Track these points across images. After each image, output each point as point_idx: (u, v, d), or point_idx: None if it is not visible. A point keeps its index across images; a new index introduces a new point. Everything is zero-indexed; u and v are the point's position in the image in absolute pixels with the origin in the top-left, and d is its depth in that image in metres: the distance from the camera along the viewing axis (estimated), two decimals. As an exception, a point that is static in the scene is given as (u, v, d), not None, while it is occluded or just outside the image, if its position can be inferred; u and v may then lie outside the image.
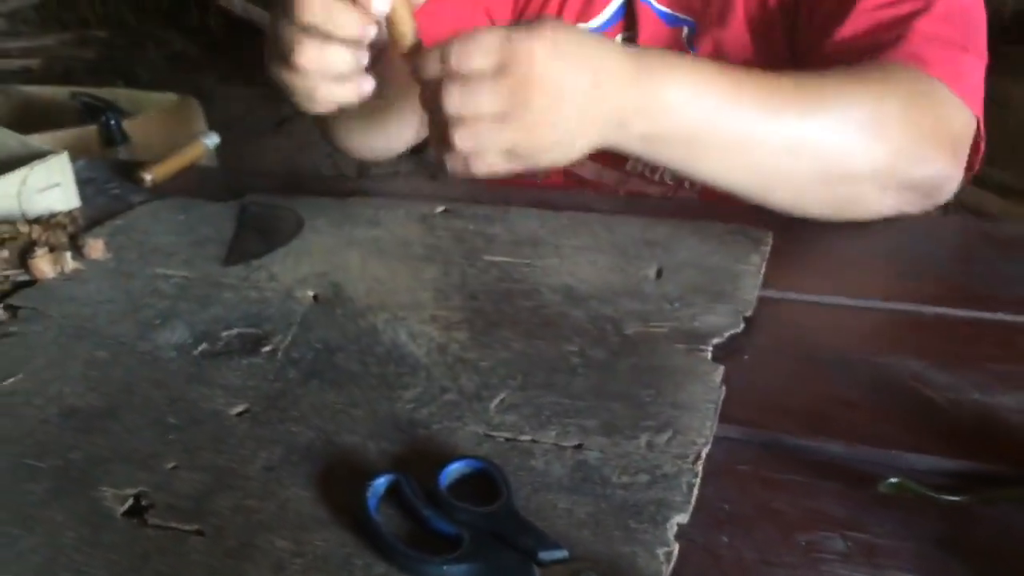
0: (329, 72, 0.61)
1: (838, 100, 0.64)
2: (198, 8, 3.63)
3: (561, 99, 0.56)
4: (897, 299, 0.64)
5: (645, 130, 0.61)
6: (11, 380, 0.60)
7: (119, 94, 1.54)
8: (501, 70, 0.55)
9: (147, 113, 1.45)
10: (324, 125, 0.86)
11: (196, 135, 0.97)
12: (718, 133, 0.62)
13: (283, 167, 2.66)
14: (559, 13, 0.92)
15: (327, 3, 0.58)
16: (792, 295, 0.65)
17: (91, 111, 1.44)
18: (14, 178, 0.79)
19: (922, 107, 0.66)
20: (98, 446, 0.54)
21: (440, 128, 0.58)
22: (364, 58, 0.61)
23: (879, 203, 0.69)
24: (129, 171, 0.93)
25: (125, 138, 1.31)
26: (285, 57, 0.60)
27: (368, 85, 0.62)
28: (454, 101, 0.56)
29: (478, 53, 0.55)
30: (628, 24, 0.90)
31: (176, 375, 0.60)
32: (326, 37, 0.59)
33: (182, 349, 0.63)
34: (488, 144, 0.57)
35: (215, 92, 3.36)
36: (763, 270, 0.67)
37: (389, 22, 0.61)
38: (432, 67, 0.57)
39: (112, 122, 1.31)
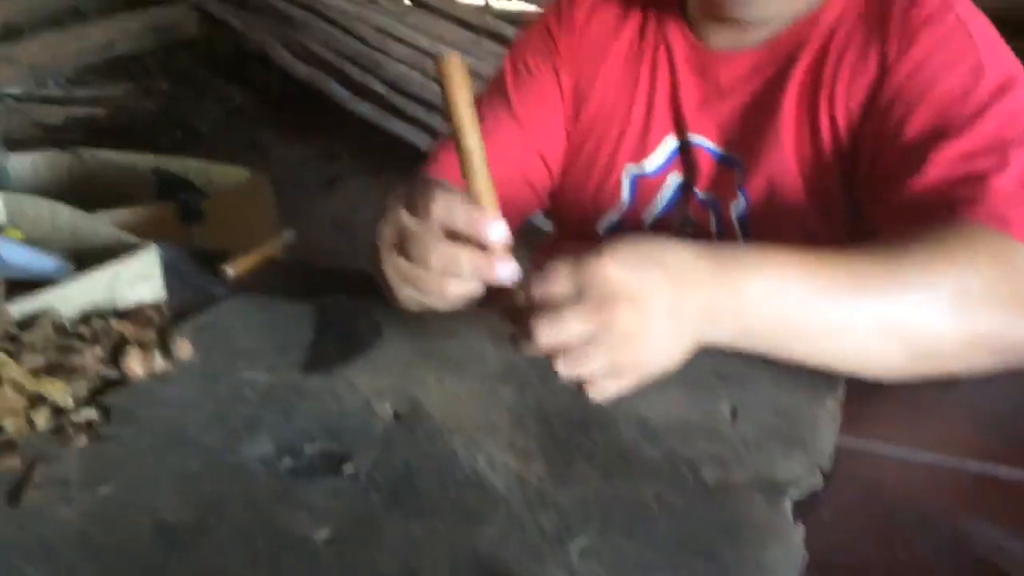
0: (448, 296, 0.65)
1: (921, 279, 0.64)
2: (260, 64, 3.75)
3: (644, 307, 0.57)
4: (976, 455, 0.64)
5: (733, 326, 0.62)
6: (105, 487, 0.62)
7: (189, 166, 1.60)
8: (580, 294, 0.57)
9: (220, 192, 1.51)
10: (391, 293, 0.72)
11: (274, 230, 1.00)
12: (805, 322, 0.63)
13: (334, 224, 2.72)
14: (613, 155, 0.94)
15: (451, 249, 0.62)
16: (868, 445, 0.65)
17: (167, 186, 1.51)
18: (108, 272, 0.82)
19: (1007, 274, 0.66)
20: (189, 566, 0.55)
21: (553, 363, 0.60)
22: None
23: (967, 369, 0.68)
24: (210, 261, 0.96)
25: (201, 217, 1.36)
26: (404, 281, 0.66)
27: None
28: (544, 332, 0.57)
29: (554, 281, 0.58)
30: (684, 163, 0.91)
31: (263, 492, 0.62)
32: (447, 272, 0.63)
33: (268, 462, 0.65)
34: (590, 369, 0.58)
35: (270, 148, 3.47)
36: (839, 416, 0.68)
37: None
38: (519, 302, 0.59)
39: (189, 202, 1.36)
